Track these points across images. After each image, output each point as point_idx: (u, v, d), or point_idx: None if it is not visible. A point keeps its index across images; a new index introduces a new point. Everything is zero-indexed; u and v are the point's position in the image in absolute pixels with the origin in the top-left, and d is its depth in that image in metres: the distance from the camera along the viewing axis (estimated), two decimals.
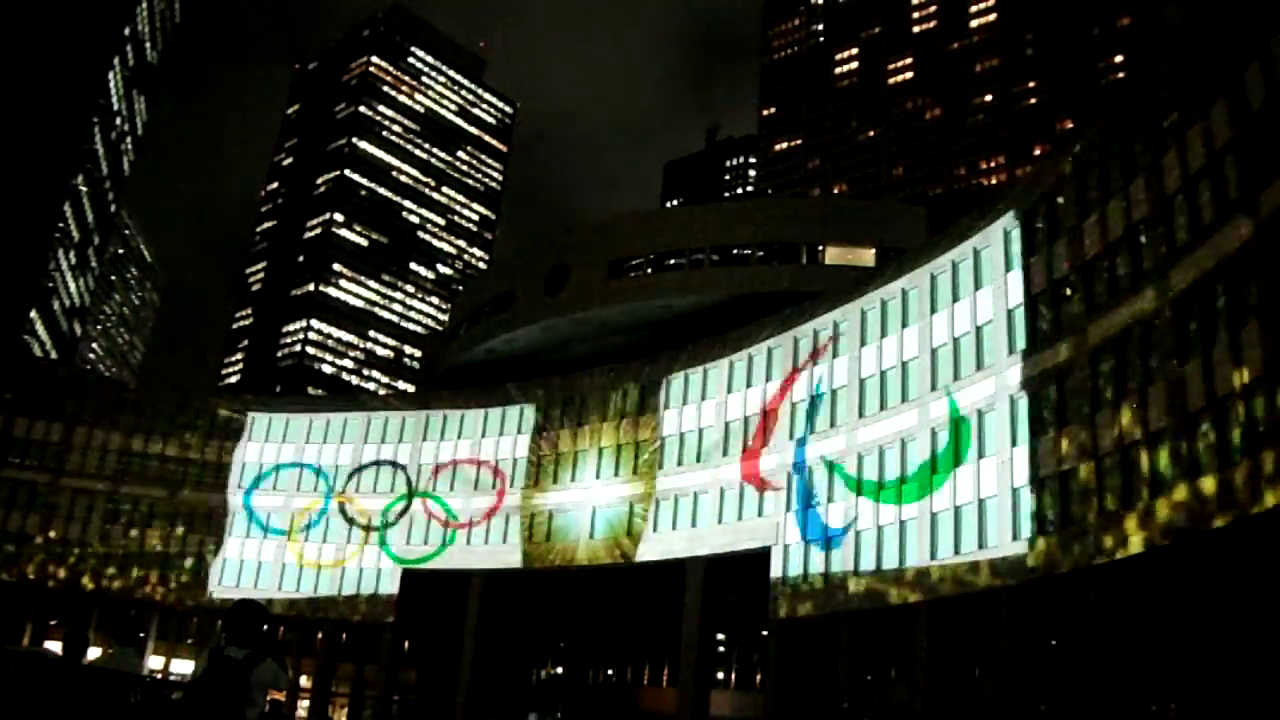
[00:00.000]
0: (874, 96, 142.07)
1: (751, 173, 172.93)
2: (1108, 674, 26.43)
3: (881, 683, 37.39)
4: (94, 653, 10.01)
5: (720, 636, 46.73)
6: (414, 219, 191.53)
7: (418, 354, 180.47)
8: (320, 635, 56.51)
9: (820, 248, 49.84)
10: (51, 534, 58.01)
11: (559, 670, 57.81)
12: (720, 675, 46.48)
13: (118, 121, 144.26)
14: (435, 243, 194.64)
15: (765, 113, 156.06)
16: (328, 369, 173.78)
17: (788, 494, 40.90)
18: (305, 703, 55.35)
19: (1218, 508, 23.28)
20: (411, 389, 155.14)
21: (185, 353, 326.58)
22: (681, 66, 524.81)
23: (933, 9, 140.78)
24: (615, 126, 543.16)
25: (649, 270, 52.68)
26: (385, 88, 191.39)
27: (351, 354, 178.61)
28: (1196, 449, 24.32)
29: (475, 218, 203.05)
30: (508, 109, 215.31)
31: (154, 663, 55.63)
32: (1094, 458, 27.72)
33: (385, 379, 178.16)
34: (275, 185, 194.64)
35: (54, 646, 40.70)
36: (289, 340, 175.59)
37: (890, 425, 37.12)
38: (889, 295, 38.93)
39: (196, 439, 59.64)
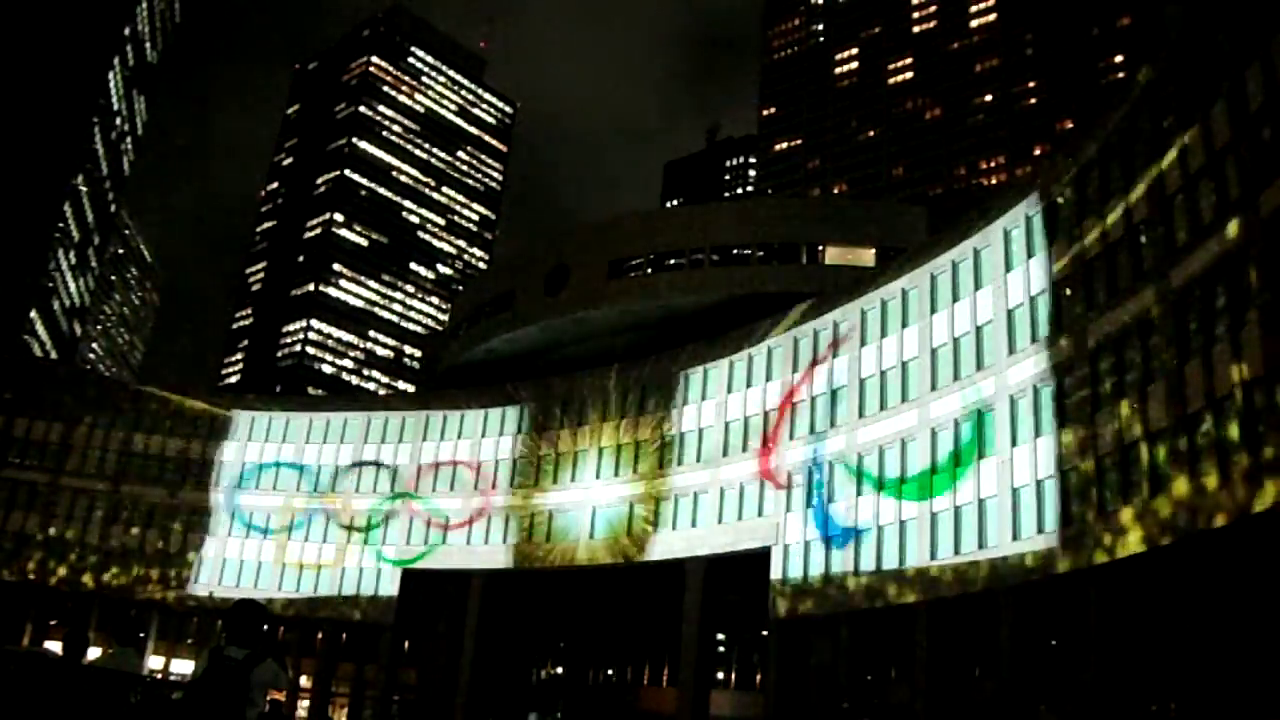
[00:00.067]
0: (874, 96, 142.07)
1: (751, 173, 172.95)
2: (1108, 674, 26.43)
3: (881, 683, 37.39)
4: (94, 653, 10.02)
5: (720, 636, 46.74)
6: (414, 219, 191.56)
7: (418, 354, 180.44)
8: (320, 635, 56.52)
9: (820, 248, 49.83)
10: (51, 534, 58.03)
11: (559, 670, 57.83)
12: (720, 675, 46.49)
13: (118, 121, 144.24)
14: (435, 243, 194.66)
15: (765, 113, 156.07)
16: (328, 369, 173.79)
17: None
18: (305, 703, 55.36)
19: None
20: (412, 389, 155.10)
21: (185, 353, 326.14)
22: (681, 66, 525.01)
23: (933, 9, 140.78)
24: (615, 126, 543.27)
25: (649, 270, 52.68)
26: (385, 88, 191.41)
27: (351, 354, 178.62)
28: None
29: (475, 218, 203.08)
30: (508, 109, 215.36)
31: (154, 663, 55.63)
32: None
33: (385, 379, 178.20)
34: (275, 185, 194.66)
35: (54, 646, 40.70)
36: (289, 340, 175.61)
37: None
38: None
39: (195, 439, 59.68)
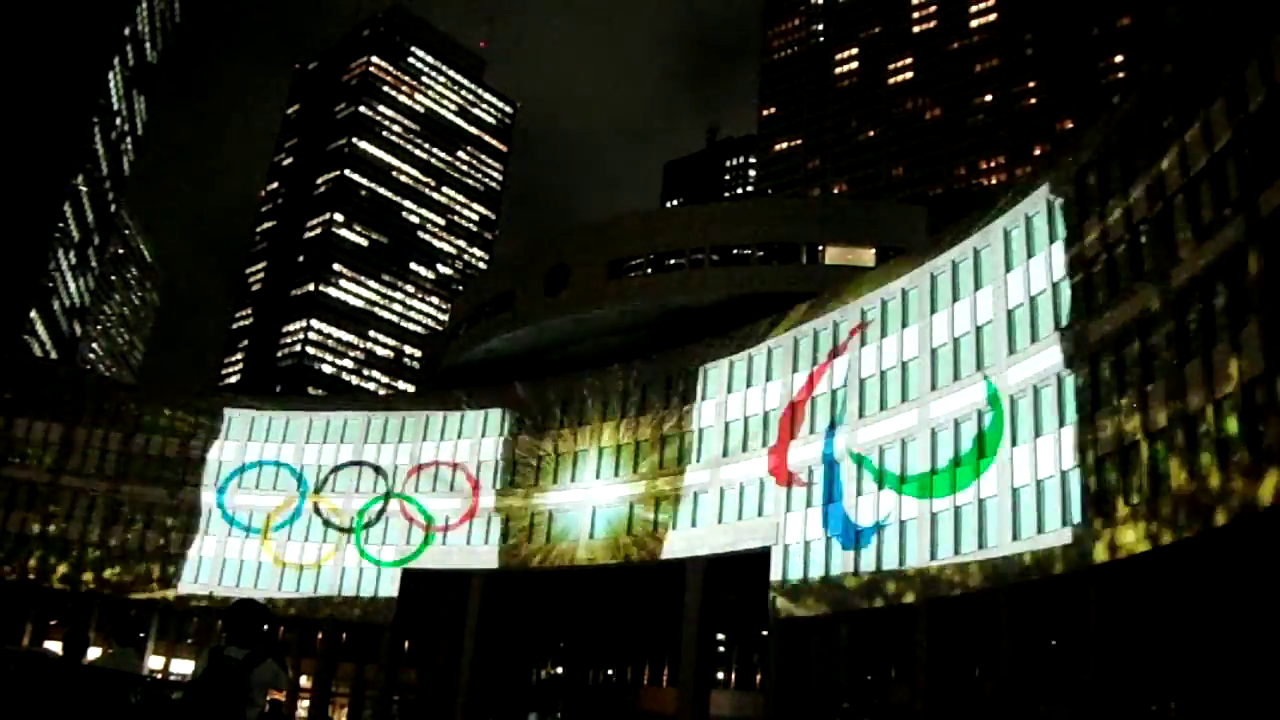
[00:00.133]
0: (874, 96, 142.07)
1: (751, 173, 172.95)
2: (1108, 674, 26.43)
3: (881, 683, 37.38)
4: (94, 653, 10.02)
5: (720, 636, 46.72)
6: (414, 219, 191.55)
7: (418, 354, 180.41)
8: (320, 635, 56.52)
9: (820, 248, 49.83)
10: (51, 534, 58.03)
11: (559, 670, 57.83)
12: (720, 675, 46.48)
13: (118, 121, 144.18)
14: (435, 243, 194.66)
15: (765, 113, 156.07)
16: (328, 369, 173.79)
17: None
18: (305, 703, 55.36)
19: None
20: (412, 389, 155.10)
21: (185, 353, 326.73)
22: (681, 66, 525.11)
23: (933, 9, 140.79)
24: (615, 126, 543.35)
25: (649, 270, 52.69)
26: (385, 88, 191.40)
27: (351, 354, 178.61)
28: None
29: (475, 218, 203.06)
30: (508, 109, 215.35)
31: (154, 663, 55.62)
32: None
33: (385, 379, 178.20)
34: (275, 185, 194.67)
35: (54, 646, 40.70)
36: (289, 340, 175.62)
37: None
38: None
39: (191, 438, 59.71)
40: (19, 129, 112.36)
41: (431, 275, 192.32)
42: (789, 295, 45.45)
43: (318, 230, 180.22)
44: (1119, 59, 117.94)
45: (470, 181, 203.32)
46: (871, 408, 38.53)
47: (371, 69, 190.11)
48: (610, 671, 54.52)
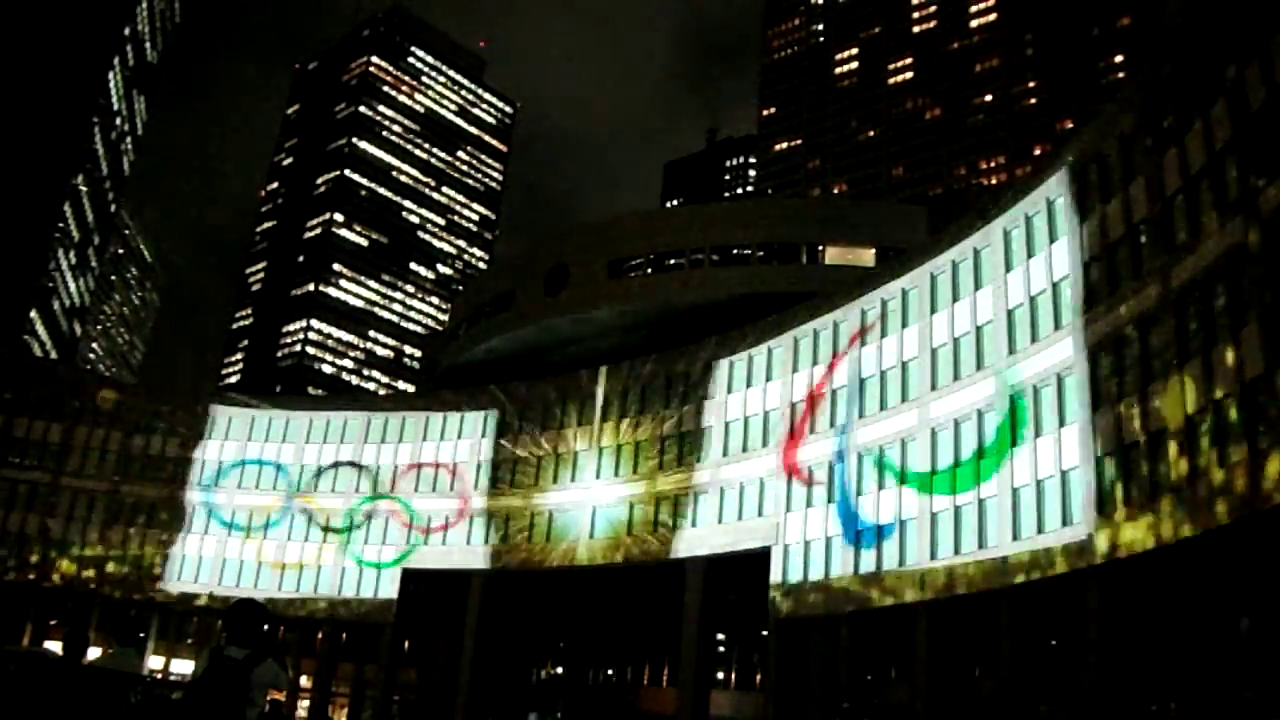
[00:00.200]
0: (874, 96, 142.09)
1: (751, 173, 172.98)
2: (1108, 674, 26.43)
3: (881, 683, 37.38)
4: (94, 653, 10.02)
5: (720, 636, 46.72)
6: (414, 219, 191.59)
7: (418, 354, 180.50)
8: (320, 635, 56.54)
9: (820, 248, 49.84)
10: (51, 534, 58.05)
11: (559, 670, 57.85)
12: (720, 675, 46.48)
13: (118, 121, 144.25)
14: (435, 243, 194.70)
15: (765, 113, 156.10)
16: (328, 369, 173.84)
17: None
18: (305, 703, 55.37)
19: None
20: (412, 389, 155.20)
21: (185, 353, 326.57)
22: (681, 66, 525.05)
23: (933, 9, 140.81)
24: (615, 126, 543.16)
25: (649, 270, 52.70)
26: (385, 88, 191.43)
27: (351, 354, 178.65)
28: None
29: (475, 218, 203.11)
30: (508, 109, 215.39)
31: (154, 663, 55.63)
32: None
33: (385, 379, 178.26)
34: (275, 185, 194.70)
35: (54, 646, 40.70)
36: (289, 340, 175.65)
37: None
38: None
39: (189, 438, 59.76)
40: (19, 129, 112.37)
41: (431, 275, 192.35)
42: (789, 295, 45.45)
43: (318, 230, 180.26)
44: (1119, 59, 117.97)
45: (470, 181, 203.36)
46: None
47: (371, 69, 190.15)
48: (610, 671, 54.54)
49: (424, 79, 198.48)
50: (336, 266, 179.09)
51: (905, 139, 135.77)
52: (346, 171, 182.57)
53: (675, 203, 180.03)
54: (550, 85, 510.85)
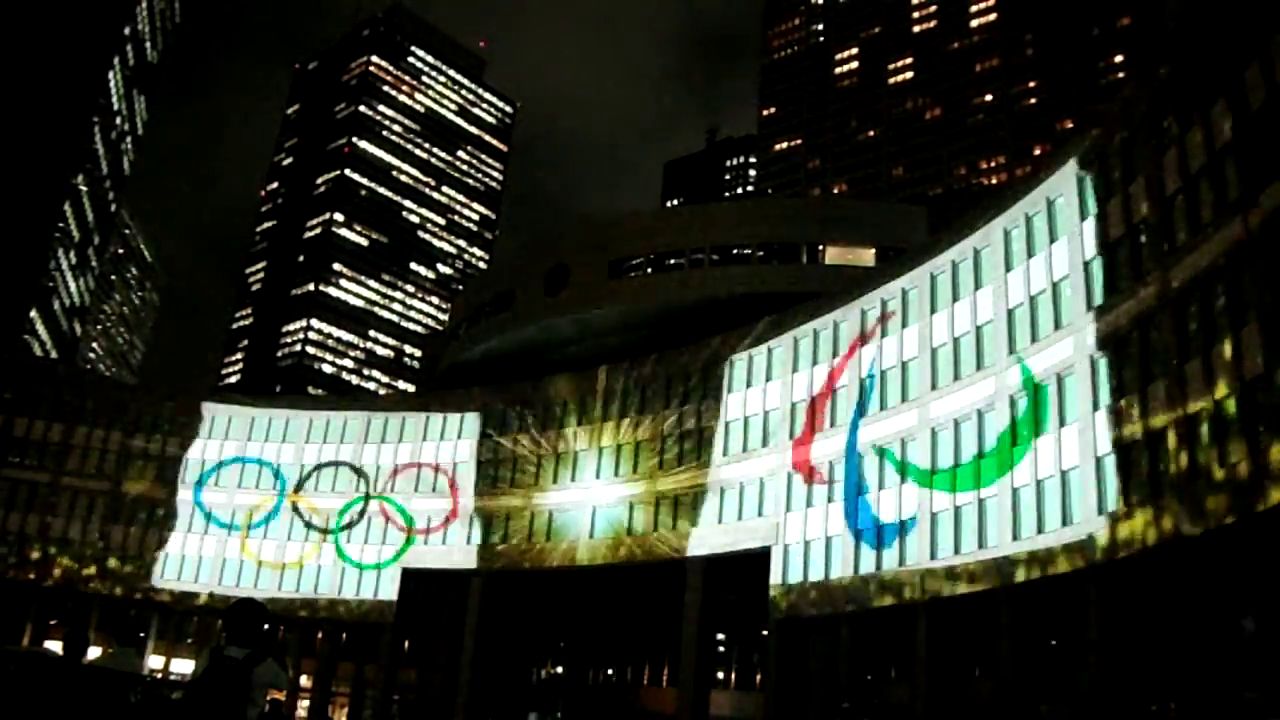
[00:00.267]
0: (874, 96, 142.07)
1: (751, 173, 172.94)
2: (1108, 674, 26.42)
3: (881, 683, 37.38)
4: (94, 653, 10.01)
5: (720, 636, 46.72)
6: (414, 219, 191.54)
7: (418, 354, 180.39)
8: (320, 635, 56.55)
9: (820, 248, 49.82)
10: (51, 533, 58.05)
11: (559, 670, 57.86)
12: (720, 675, 46.49)
13: (118, 121, 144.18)
14: (435, 243, 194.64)
15: (765, 113, 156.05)
16: (328, 369, 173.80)
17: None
18: (305, 703, 55.38)
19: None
20: (412, 389, 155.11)
21: (185, 353, 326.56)
22: (681, 66, 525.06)
23: (933, 9, 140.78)
24: (615, 126, 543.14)
25: (649, 270, 52.69)
26: (385, 87, 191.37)
27: (351, 354, 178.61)
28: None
29: (475, 218, 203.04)
30: (508, 109, 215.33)
31: (154, 663, 55.63)
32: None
33: (385, 379, 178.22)
34: (275, 185, 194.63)
35: (54, 646, 40.69)
36: (289, 340, 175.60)
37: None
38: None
39: (189, 438, 59.81)
40: (19, 129, 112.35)
41: (431, 275, 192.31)
42: (789, 295, 45.43)
43: (318, 230, 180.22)
44: (1119, 59, 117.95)
45: (470, 181, 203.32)
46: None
47: (371, 69, 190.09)
48: (610, 671, 54.55)
49: (424, 79, 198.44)
50: (336, 266, 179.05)
51: (905, 139, 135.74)
52: (346, 171, 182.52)
53: (675, 203, 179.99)
54: (550, 85, 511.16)
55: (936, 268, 37.03)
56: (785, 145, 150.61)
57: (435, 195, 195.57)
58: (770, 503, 41.98)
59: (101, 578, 57.45)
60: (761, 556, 41.39)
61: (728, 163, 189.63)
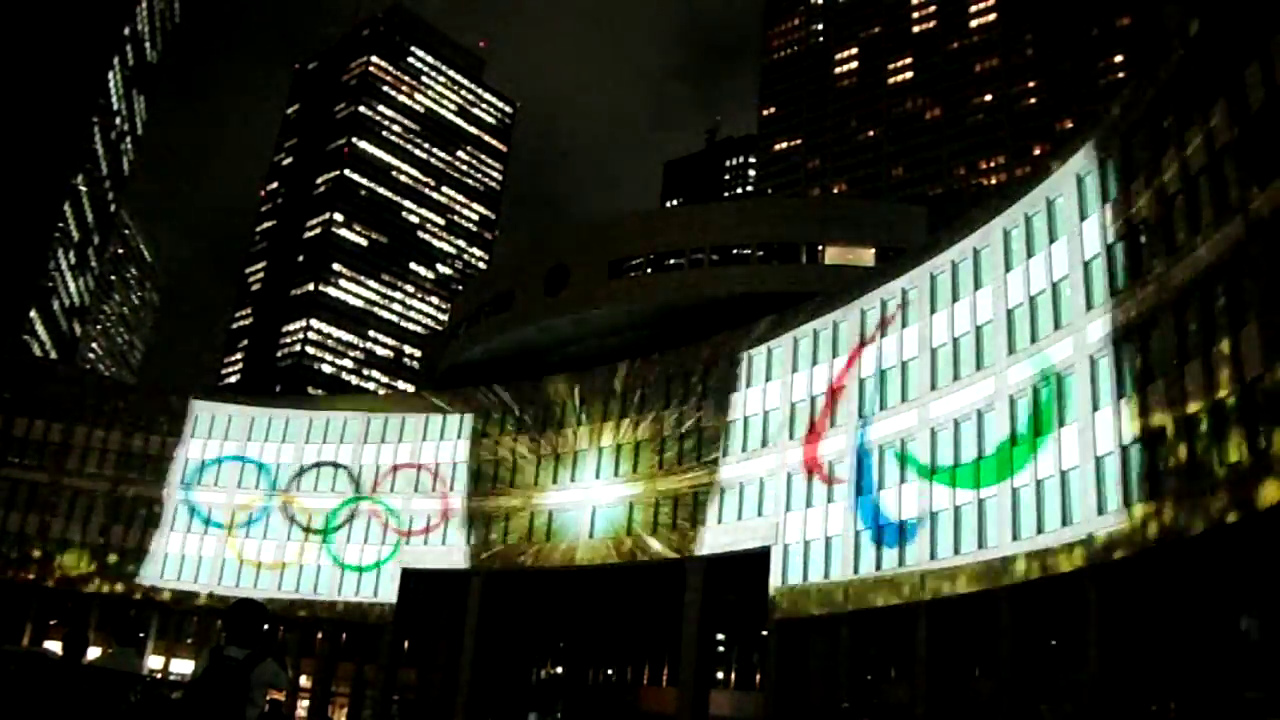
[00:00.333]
0: (874, 96, 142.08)
1: (751, 173, 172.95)
2: (1108, 674, 26.43)
3: (881, 683, 37.38)
4: (94, 653, 10.01)
5: (720, 636, 46.72)
6: (414, 219, 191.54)
7: (418, 354, 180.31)
8: (320, 635, 56.56)
9: (820, 248, 49.83)
10: (51, 534, 58.06)
11: (559, 670, 57.86)
12: (720, 675, 46.48)
13: (118, 121, 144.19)
14: (435, 243, 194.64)
15: (765, 113, 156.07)
16: (328, 369, 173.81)
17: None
18: (305, 703, 55.38)
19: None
20: (411, 389, 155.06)
21: (185, 353, 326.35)
22: (681, 66, 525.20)
23: (933, 9, 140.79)
24: (615, 126, 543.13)
25: (649, 270, 52.70)
26: (385, 88, 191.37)
27: (351, 354, 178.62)
28: None
29: (475, 218, 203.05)
30: (508, 109, 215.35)
31: (154, 663, 55.63)
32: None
33: (385, 379, 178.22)
34: (275, 185, 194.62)
35: (54, 646, 40.70)
36: (289, 340, 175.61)
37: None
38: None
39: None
40: (19, 129, 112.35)
41: (431, 275, 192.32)
42: (789, 295, 45.43)
43: (318, 230, 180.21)
44: (1119, 59, 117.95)
45: (470, 181, 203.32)
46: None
47: (371, 69, 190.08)
48: (610, 671, 54.55)
49: (424, 79, 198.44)
50: (336, 266, 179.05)
51: (905, 139, 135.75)
52: (346, 171, 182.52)
53: (675, 203, 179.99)
54: (550, 85, 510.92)
55: (936, 268, 37.04)
56: (785, 145, 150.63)
57: (435, 195, 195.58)
58: (770, 502, 41.97)
59: (101, 578, 57.47)
60: (761, 556, 41.39)
61: (728, 163, 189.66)
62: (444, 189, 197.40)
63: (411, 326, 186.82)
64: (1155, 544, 25.06)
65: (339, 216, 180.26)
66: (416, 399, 61.89)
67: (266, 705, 7.90)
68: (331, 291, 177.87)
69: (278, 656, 6.85)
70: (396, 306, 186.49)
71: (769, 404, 43.46)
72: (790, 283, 47.94)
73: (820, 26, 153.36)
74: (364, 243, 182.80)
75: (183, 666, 55.10)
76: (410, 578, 54.15)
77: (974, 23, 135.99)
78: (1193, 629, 24.57)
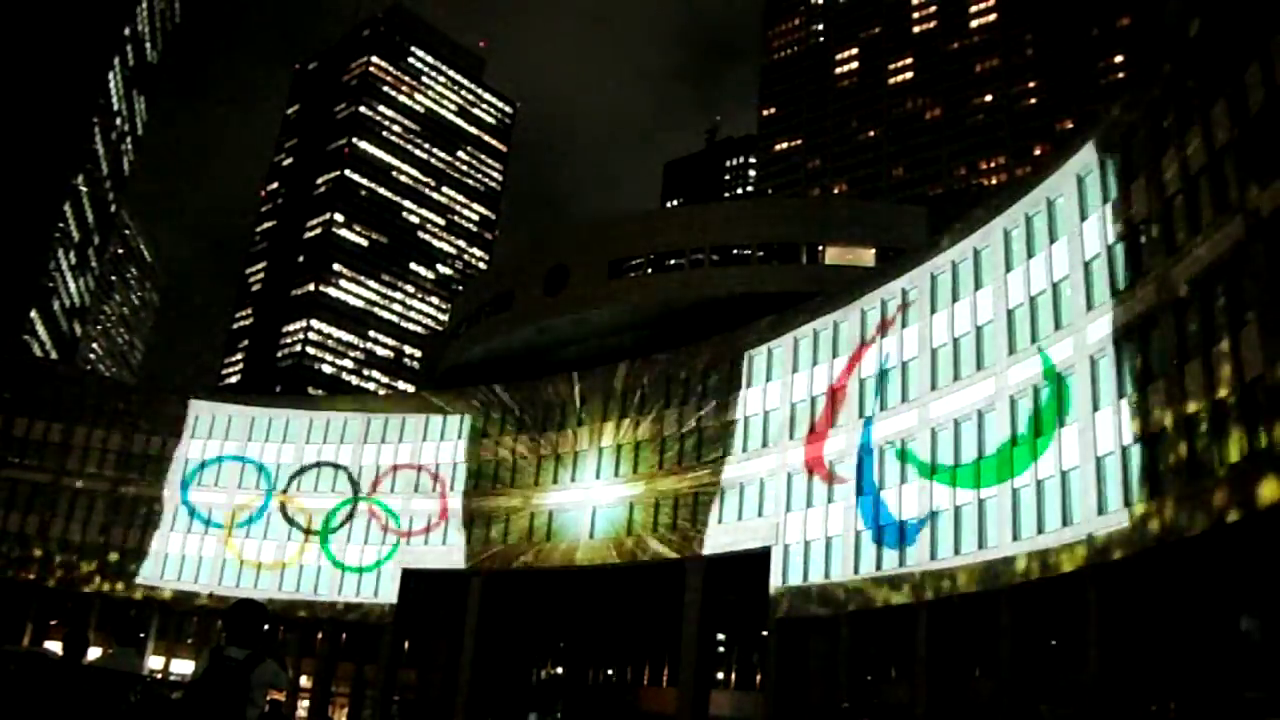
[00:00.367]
0: (874, 96, 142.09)
1: (751, 173, 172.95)
2: (1108, 674, 26.42)
3: (881, 683, 37.37)
4: (94, 653, 10.01)
5: (720, 636, 46.71)
6: (414, 219, 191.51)
7: (418, 354, 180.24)
8: (320, 635, 56.55)
9: (820, 248, 49.82)
10: (51, 534, 58.05)
11: (559, 670, 57.85)
12: (720, 675, 46.47)
13: (118, 121, 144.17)
14: (435, 243, 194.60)
15: (765, 113, 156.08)
16: (328, 369, 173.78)
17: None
18: (305, 703, 55.38)
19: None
20: (411, 389, 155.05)
21: (185, 353, 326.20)
22: (681, 66, 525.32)
23: (933, 9, 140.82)
24: (615, 126, 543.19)
25: (649, 270, 52.69)
26: (385, 88, 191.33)
27: (351, 354, 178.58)
28: None
29: (475, 218, 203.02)
30: (508, 109, 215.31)
31: (154, 663, 55.63)
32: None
33: (385, 379, 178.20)
34: (275, 185, 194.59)
35: (54, 646, 40.68)
36: (289, 340, 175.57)
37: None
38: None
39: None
40: (19, 129, 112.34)
41: (431, 275, 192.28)
42: (789, 295, 45.43)
43: (318, 230, 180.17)
44: (1119, 59, 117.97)
45: (470, 181, 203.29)
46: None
47: (371, 69, 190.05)
48: (610, 671, 54.53)
49: (424, 79, 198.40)
50: (336, 266, 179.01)
51: (905, 139, 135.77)
52: (346, 171, 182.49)
53: (675, 203, 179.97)
54: (550, 85, 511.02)
55: (937, 268, 37.03)
56: (785, 145, 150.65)
57: (435, 195, 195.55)
58: (770, 503, 41.97)
59: (101, 578, 57.46)
60: (762, 556, 41.38)
61: (728, 163, 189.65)
62: (444, 189, 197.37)
63: (411, 326, 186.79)
64: (1155, 544, 25.05)
65: (339, 217, 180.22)
66: (416, 399, 61.82)
67: (267, 705, 7.90)
68: (332, 292, 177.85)
69: (278, 657, 6.85)
70: (396, 307, 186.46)
71: (769, 404, 43.44)
72: (790, 283, 47.93)
73: (820, 27, 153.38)
74: (364, 243, 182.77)
75: (183, 666, 55.09)
76: (410, 578, 54.14)
77: (974, 23, 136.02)
78: (1193, 629, 24.56)
